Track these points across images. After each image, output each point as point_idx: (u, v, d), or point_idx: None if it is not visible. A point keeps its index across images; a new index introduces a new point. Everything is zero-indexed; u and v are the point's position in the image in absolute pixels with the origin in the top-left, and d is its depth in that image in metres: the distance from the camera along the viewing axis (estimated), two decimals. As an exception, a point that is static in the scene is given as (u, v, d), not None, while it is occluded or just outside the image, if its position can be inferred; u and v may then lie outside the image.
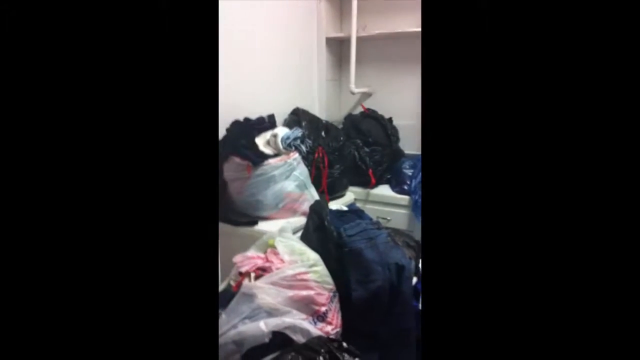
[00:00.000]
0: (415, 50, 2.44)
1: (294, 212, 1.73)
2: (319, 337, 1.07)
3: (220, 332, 1.07)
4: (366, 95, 2.69)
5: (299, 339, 1.06)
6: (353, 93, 2.56)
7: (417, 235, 1.98)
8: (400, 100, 2.56)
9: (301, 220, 1.63)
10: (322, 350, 1.01)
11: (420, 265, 1.49)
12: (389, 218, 2.21)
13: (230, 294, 1.19)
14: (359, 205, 2.13)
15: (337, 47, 2.71)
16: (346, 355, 1.02)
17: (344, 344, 1.06)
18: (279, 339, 1.06)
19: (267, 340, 1.04)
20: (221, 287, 1.29)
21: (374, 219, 1.63)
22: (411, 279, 1.40)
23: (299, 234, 1.53)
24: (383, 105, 2.55)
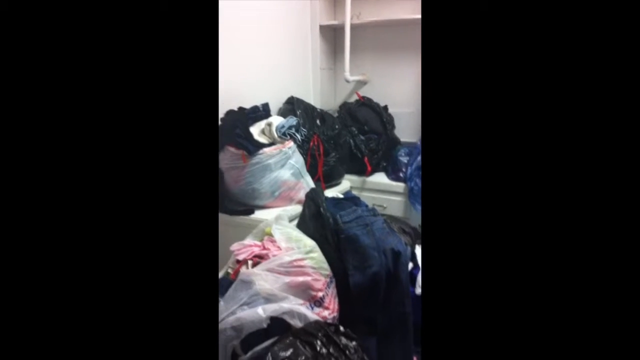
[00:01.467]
0: (410, 37, 2.44)
1: (290, 201, 1.74)
2: (317, 322, 1.09)
3: (219, 318, 1.08)
4: (361, 84, 2.68)
5: (297, 323, 1.07)
6: (348, 81, 2.55)
7: (413, 221, 1.99)
8: (396, 87, 2.56)
9: (297, 209, 1.64)
10: (320, 334, 1.02)
11: (416, 251, 1.51)
12: (385, 205, 2.22)
13: (228, 281, 1.20)
14: (355, 193, 2.14)
15: (331, 35, 2.70)
16: (343, 339, 1.03)
17: (341, 328, 1.07)
18: (277, 324, 1.07)
19: (265, 325, 1.05)
20: (220, 275, 1.30)
21: (370, 206, 1.64)
22: (407, 264, 1.42)
23: (296, 222, 1.54)
24: (378, 93, 2.55)
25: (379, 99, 2.50)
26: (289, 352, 0.97)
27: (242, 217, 1.67)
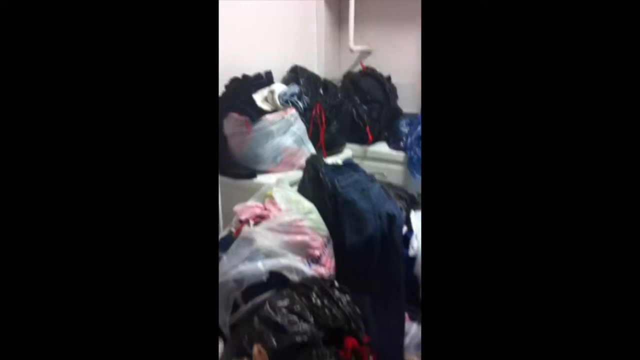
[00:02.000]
0: (415, 8, 2.43)
1: (291, 166, 1.81)
2: (313, 277, 1.16)
3: (221, 272, 1.16)
4: (365, 54, 2.70)
5: (294, 278, 1.15)
6: (352, 51, 2.57)
7: (411, 189, 2.05)
8: (399, 58, 2.57)
9: (298, 174, 1.70)
10: (315, 287, 1.10)
11: (410, 216, 1.57)
12: (385, 174, 2.27)
13: (231, 239, 1.27)
14: (356, 161, 2.19)
15: (336, 4, 2.70)
16: (337, 292, 1.11)
17: (336, 283, 1.15)
18: (276, 278, 1.15)
19: (264, 278, 1.13)
20: (223, 233, 1.38)
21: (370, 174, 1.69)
22: (402, 227, 1.48)
23: (296, 187, 1.60)
24: (382, 64, 2.57)
25: (383, 69, 2.52)
26: (285, 302, 1.06)
27: (245, 180, 1.75)
